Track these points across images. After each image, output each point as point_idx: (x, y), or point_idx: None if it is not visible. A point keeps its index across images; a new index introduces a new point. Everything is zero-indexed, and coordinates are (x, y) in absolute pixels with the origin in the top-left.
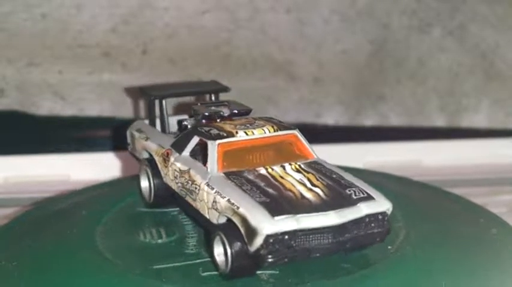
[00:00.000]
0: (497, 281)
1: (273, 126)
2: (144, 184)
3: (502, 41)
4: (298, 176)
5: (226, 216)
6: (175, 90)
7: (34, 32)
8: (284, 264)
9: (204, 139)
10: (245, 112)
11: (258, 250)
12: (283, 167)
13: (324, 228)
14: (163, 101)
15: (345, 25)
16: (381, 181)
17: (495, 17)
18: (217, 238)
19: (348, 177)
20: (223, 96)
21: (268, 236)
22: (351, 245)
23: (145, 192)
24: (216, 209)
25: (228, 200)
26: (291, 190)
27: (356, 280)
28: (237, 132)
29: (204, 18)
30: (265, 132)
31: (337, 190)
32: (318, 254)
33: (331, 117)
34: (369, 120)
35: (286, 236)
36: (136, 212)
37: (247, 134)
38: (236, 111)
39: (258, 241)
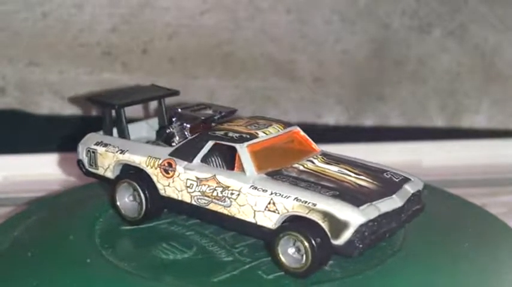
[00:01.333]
0: (497, 282)
1: (279, 124)
2: (128, 200)
3: (502, 42)
4: (333, 168)
5: (293, 215)
6: (133, 98)
7: (34, 31)
8: (362, 253)
9: (227, 143)
10: (231, 113)
11: (348, 240)
12: (312, 162)
13: (393, 211)
14: (123, 110)
15: (345, 25)
16: None
17: (495, 17)
18: (286, 237)
19: (368, 163)
20: (174, 99)
21: (359, 226)
22: (405, 223)
23: (130, 209)
24: (275, 211)
25: (297, 199)
26: (345, 181)
27: (358, 281)
28: (256, 133)
29: (204, 18)
30: (278, 131)
31: (379, 176)
32: (388, 235)
33: (331, 118)
34: (368, 120)
35: (371, 223)
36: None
37: (266, 133)
38: (224, 113)
39: (349, 233)
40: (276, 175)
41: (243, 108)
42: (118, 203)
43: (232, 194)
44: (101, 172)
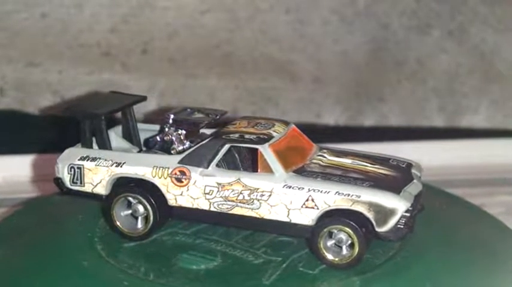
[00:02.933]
0: (496, 281)
1: (279, 123)
2: (127, 215)
3: (501, 42)
4: (347, 160)
5: (337, 208)
6: (110, 106)
7: (34, 31)
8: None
9: (247, 145)
10: (223, 115)
11: (394, 226)
12: (324, 156)
13: (419, 193)
14: (103, 119)
15: (344, 25)
16: None
17: (495, 18)
18: (327, 232)
19: (367, 153)
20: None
21: (404, 212)
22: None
23: (131, 224)
24: (313, 207)
25: (338, 193)
26: (369, 172)
27: (359, 281)
28: (269, 133)
29: (204, 18)
30: (284, 129)
31: (389, 164)
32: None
33: (331, 118)
34: (368, 121)
35: (410, 208)
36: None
37: (277, 133)
38: (218, 115)
39: (395, 219)
40: (303, 172)
41: (243, 108)
42: (117, 220)
43: (262, 195)
44: (88, 188)
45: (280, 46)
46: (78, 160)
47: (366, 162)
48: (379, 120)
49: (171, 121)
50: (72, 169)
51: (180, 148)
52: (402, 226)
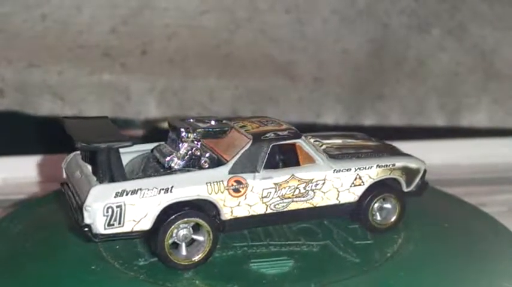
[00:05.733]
0: (495, 282)
1: (276, 119)
2: (182, 243)
3: (501, 40)
4: (338, 141)
5: (380, 179)
6: (120, 135)
7: (34, 33)
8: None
9: (287, 142)
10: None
11: (418, 184)
12: (319, 141)
13: None
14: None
15: (344, 25)
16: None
17: (495, 16)
18: (384, 199)
19: (330, 133)
20: None
21: (424, 170)
22: None
23: (185, 252)
24: (360, 184)
25: (378, 166)
26: (366, 146)
27: (359, 282)
28: (287, 127)
29: (204, 18)
30: (285, 123)
31: (363, 137)
32: None
33: (331, 117)
34: (368, 120)
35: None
36: None
37: (290, 127)
38: (217, 120)
39: (419, 178)
40: (335, 156)
41: (243, 108)
42: (172, 252)
43: (316, 185)
44: (127, 228)
45: (280, 46)
46: (115, 197)
47: (351, 139)
48: (380, 120)
49: (195, 134)
50: (110, 210)
51: (206, 159)
52: (421, 183)
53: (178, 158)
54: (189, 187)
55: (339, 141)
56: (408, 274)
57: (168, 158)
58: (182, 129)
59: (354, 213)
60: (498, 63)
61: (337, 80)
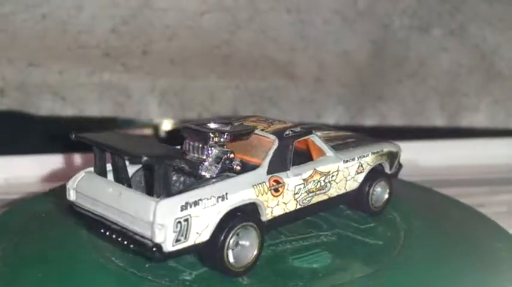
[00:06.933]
0: (495, 281)
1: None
2: (235, 250)
3: (502, 41)
4: (320, 133)
5: (374, 165)
6: (170, 148)
7: (34, 32)
8: None
9: (304, 138)
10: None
11: (397, 166)
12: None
13: None
14: None
15: (345, 25)
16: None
17: (495, 17)
18: (379, 183)
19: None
20: None
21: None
22: None
23: (243, 258)
24: (362, 171)
25: (372, 152)
26: (343, 136)
27: (359, 283)
28: (294, 124)
29: (204, 19)
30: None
31: (334, 128)
32: None
33: (331, 118)
34: (369, 120)
35: None
36: None
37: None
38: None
39: (397, 160)
40: (336, 147)
41: (243, 108)
42: (230, 260)
43: (332, 177)
44: (191, 241)
45: (280, 46)
46: (181, 211)
47: (324, 131)
48: (380, 120)
49: (224, 138)
50: (179, 225)
51: (238, 163)
52: (399, 165)
53: (211, 164)
54: (240, 191)
55: (319, 133)
56: (408, 274)
57: (202, 166)
58: (211, 135)
59: (353, 200)
60: (498, 64)
61: (338, 80)
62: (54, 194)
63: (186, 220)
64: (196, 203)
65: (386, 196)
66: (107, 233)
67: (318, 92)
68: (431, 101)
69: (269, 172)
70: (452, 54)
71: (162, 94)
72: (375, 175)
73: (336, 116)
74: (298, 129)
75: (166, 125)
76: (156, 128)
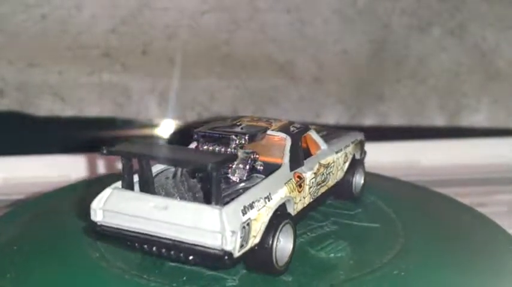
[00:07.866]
0: (495, 281)
1: (253, 117)
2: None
3: (501, 40)
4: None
5: (353, 154)
6: (223, 155)
7: (34, 33)
8: None
9: (306, 133)
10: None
11: (363, 152)
12: None
13: None
14: None
15: (345, 25)
16: (372, 179)
17: (495, 16)
18: (358, 170)
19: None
20: None
21: None
22: None
23: (283, 257)
24: (347, 161)
25: (352, 142)
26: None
27: (359, 282)
28: (291, 122)
29: (204, 18)
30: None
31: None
32: None
33: (331, 117)
34: (368, 120)
35: None
36: None
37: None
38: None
39: (363, 146)
40: (324, 138)
41: (243, 108)
42: (278, 259)
43: (331, 168)
44: (249, 245)
45: (280, 46)
46: (243, 215)
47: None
48: (380, 120)
49: (244, 140)
50: (244, 229)
51: (260, 163)
52: (364, 151)
53: (237, 167)
54: (278, 190)
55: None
56: (408, 274)
57: (230, 169)
58: (234, 137)
59: (338, 189)
60: (498, 63)
61: (338, 80)
62: (54, 194)
63: (248, 224)
64: (251, 206)
65: (362, 182)
66: (153, 248)
67: (318, 92)
68: (431, 101)
69: (292, 168)
70: (452, 53)
71: (161, 94)
72: (354, 163)
73: (336, 116)
74: (298, 125)
75: (166, 125)
76: (155, 128)
